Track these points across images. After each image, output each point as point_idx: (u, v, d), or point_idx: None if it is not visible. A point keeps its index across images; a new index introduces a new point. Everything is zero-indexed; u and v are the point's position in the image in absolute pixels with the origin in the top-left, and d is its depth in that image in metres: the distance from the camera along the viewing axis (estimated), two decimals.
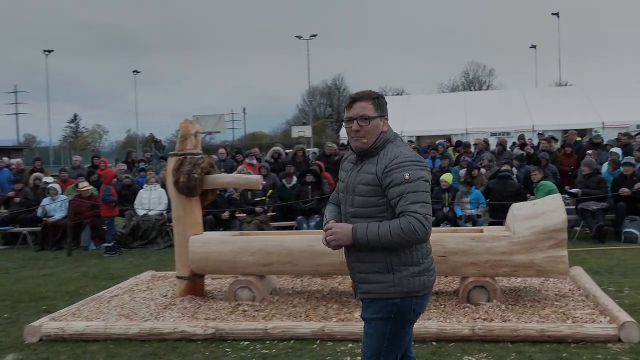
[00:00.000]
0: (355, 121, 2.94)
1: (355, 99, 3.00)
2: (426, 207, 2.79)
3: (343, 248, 2.99)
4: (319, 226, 11.53)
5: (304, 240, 6.18)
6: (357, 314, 5.68)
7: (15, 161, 16.78)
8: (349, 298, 6.33)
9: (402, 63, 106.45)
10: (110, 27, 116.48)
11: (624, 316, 5.08)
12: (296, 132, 44.46)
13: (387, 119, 3.03)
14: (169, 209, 11.14)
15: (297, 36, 57.24)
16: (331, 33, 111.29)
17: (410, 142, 21.43)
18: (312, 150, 25.60)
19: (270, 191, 12.12)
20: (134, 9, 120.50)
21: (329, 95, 77.38)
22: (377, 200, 2.89)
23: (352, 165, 3.06)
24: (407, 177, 2.81)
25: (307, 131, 45.04)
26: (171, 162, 6.65)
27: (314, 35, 57.25)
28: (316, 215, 11.74)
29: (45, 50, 58.66)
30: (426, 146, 16.24)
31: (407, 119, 25.52)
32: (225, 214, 11.84)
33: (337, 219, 3.11)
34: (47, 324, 5.68)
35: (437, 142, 16.64)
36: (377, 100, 3.00)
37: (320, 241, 6.01)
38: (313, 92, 72.16)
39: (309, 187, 11.91)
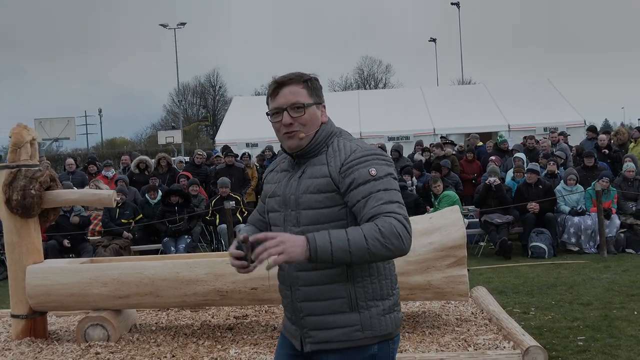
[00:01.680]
0: (285, 112, 2.62)
1: (282, 82, 2.65)
2: (404, 208, 2.48)
3: (270, 272, 2.52)
4: (189, 248, 11.42)
5: (169, 266, 6.09)
6: (233, 351, 5.67)
7: None
8: (223, 332, 6.30)
9: (287, 57, 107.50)
10: None
11: (529, 340, 5.37)
12: (164, 137, 43.77)
13: (324, 108, 2.75)
14: (0, 234, 10.63)
15: (162, 24, 56.38)
16: (203, 21, 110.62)
17: None
18: (179, 158, 25.28)
19: (140, 216, 11.89)
20: None
21: (202, 94, 76.86)
22: (337, 211, 2.56)
23: (287, 174, 2.73)
24: (373, 172, 2.51)
25: (176, 136, 44.44)
26: (1, 177, 6.36)
27: (183, 24, 56.60)
28: (186, 237, 11.61)
29: None
30: None
31: None
32: (66, 241, 11.36)
33: None
34: None
35: None
36: (311, 82, 2.68)
37: (187, 267, 5.97)
38: (183, 90, 71.46)
39: (175, 207, 11.77)
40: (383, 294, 2.61)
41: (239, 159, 15.10)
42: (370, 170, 2.51)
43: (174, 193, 11.82)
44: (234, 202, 11.70)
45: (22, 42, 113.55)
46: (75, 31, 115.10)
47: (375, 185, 2.49)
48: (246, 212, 12.26)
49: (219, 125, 34.65)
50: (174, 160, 17.91)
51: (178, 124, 58.99)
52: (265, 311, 7.00)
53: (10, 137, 6.56)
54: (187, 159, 25.09)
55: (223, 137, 25.57)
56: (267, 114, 2.70)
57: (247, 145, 23.35)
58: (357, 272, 2.57)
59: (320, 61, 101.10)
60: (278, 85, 2.66)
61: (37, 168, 6.45)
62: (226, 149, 16.22)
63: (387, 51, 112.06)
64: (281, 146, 2.74)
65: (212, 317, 6.98)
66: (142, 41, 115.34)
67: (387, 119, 25.65)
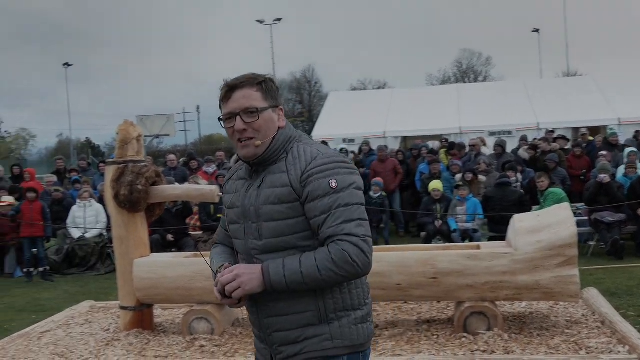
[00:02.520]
0: (238, 117, 2.47)
1: (234, 86, 2.50)
2: (364, 226, 2.38)
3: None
4: None
5: None
6: None
7: None
8: None
9: (383, 51, 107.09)
10: (34, 14, 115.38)
11: None
12: None
13: (282, 111, 2.61)
14: (109, 228, 11.08)
15: (258, 20, 57.29)
16: (299, 17, 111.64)
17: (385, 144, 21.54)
18: None
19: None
20: None
21: (298, 89, 77.65)
22: (301, 221, 2.43)
23: (245, 182, 2.59)
24: (333, 185, 2.37)
25: None
26: (110, 172, 6.62)
27: (279, 20, 57.34)
28: None
29: None
30: (417, 149, 16.35)
31: (390, 117, 25.67)
32: (170, 236, 11.75)
33: (232, 263, 2.62)
34: None
35: (423, 144, 16.78)
36: (265, 84, 2.54)
37: None
38: (279, 86, 72.06)
39: None
40: (354, 304, 2.50)
41: None
42: (330, 182, 2.38)
43: None
44: None
45: (124, 42, 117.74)
46: (173, 29, 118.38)
47: (336, 200, 2.36)
48: None
49: (315, 121, 34.84)
50: None
51: None
52: None
53: (117, 133, 6.82)
54: None
55: (319, 132, 25.71)
56: (219, 119, 2.55)
57: (344, 140, 23.38)
58: None
59: (417, 54, 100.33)
60: (230, 89, 2.51)
61: (143, 164, 6.68)
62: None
63: (488, 43, 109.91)
64: (237, 153, 2.58)
65: None
66: (238, 38, 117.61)
67: (488, 113, 25.13)
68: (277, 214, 2.44)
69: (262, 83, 2.52)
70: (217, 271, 2.54)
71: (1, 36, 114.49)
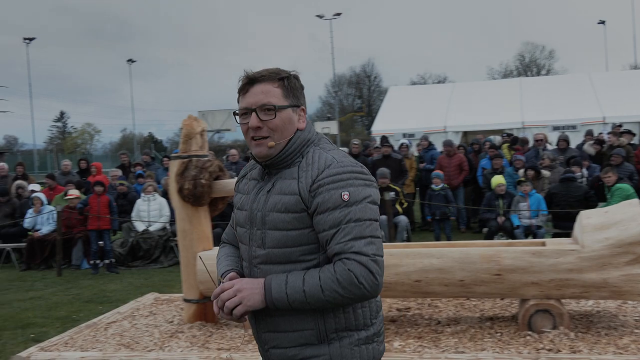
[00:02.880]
0: (253, 114, 2.32)
1: (253, 79, 2.34)
2: (375, 244, 2.21)
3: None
4: None
5: None
6: (397, 343, 5.69)
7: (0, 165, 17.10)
8: (386, 325, 6.33)
9: (444, 45, 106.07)
10: (100, 11, 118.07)
11: None
12: (320, 128, 44.53)
13: (304, 111, 2.43)
14: (172, 222, 11.27)
15: (318, 15, 57.38)
16: (359, 11, 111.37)
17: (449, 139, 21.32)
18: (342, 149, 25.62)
19: None
20: None
21: (357, 84, 77.54)
22: (306, 233, 2.27)
23: (257, 184, 2.44)
24: (345, 197, 2.20)
25: (332, 127, 45.13)
26: (174, 166, 6.72)
27: (338, 14, 57.31)
28: None
29: (25, 39, 59.59)
30: (478, 144, 16.15)
31: (451, 111, 25.47)
32: None
33: (238, 269, 2.47)
34: (37, 355, 5.77)
35: (485, 139, 16.58)
36: (288, 81, 2.37)
37: None
38: (339, 81, 72.36)
39: None
40: (358, 324, 2.32)
41: (396, 149, 15.11)
42: (342, 194, 2.20)
43: None
44: (393, 192, 11.71)
45: (186, 38, 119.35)
46: (234, 25, 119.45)
47: (347, 214, 2.19)
48: (406, 204, 12.25)
49: (375, 116, 34.75)
50: None
51: (334, 114, 59.88)
52: (429, 304, 6.96)
53: (181, 128, 6.91)
54: (345, 150, 25.39)
55: (379, 127, 25.67)
56: (235, 113, 2.41)
57: (404, 135, 23.30)
58: None
59: (478, 48, 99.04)
60: (249, 82, 2.35)
61: (206, 158, 6.75)
62: (384, 140, 16.25)
63: (551, 35, 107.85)
64: (250, 152, 2.43)
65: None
66: (298, 32, 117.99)
67: (552, 107, 24.69)
68: (282, 223, 2.28)
69: (284, 79, 2.36)
70: (219, 280, 2.41)
71: (68, 34, 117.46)
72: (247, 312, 2.24)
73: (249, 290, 2.22)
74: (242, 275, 2.42)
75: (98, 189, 11.78)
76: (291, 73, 2.40)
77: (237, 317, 2.23)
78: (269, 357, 2.41)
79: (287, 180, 2.30)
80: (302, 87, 2.43)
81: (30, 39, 59.84)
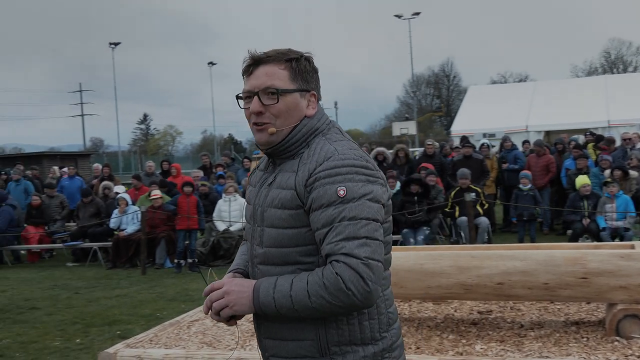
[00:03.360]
0: (255, 97, 2.13)
1: (258, 60, 2.15)
2: (371, 246, 1.96)
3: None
4: (428, 240, 11.48)
5: (412, 258, 6.15)
6: (479, 346, 5.61)
7: (95, 166, 17.78)
8: (467, 327, 6.26)
9: (525, 43, 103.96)
10: (182, 15, 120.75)
11: None
12: (398, 128, 44.36)
13: (315, 97, 2.21)
14: None
15: (396, 15, 57.08)
16: (437, 10, 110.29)
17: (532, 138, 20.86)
18: (417, 150, 25.47)
19: None
20: None
21: (436, 84, 76.90)
22: (303, 233, 2.07)
23: (262, 176, 2.27)
24: (341, 193, 1.98)
25: (411, 128, 44.87)
26: (254, 167, 6.79)
27: (417, 14, 56.88)
28: (425, 228, 11.67)
29: (111, 43, 61.42)
30: (562, 143, 15.77)
31: (533, 110, 24.97)
32: None
33: (245, 269, 2.34)
34: (123, 351, 5.93)
35: (571, 138, 16.19)
36: (297, 63, 2.17)
37: (431, 259, 5.99)
38: (417, 81, 71.88)
39: (415, 197, 11.86)
40: (365, 337, 2.08)
41: (477, 149, 14.91)
42: (339, 189, 1.98)
43: (414, 182, 11.93)
44: (474, 193, 11.55)
45: (263, 39, 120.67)
46: (311, 25, 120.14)
47: (341, 212, 1.96)
48: (487, 205, 12.07)
49: (453, 116, 34.37)
50: (414, 152, 18.10)
51: (412, 115, 59.51)
52: (511, 307, 6.83)
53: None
54: (419, 149, 25.26)
55: (458, 127, 25.39)
56: (237, 97, 2.22)
57: (484, 135, 22.96)
58: None
59: (561, 45, 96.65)
60: (254, 63, 2.15)
61: None
62: (464, 140, 16.05)
63: (638, 31, 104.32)
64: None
65: (455, 311, 6.95)
66: (376, 32, 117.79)
67: (639, 105, 23.89)
68: (278, 220, 2.09)
69: (292, 60, 2.15)
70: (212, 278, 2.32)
71: (152, 38, 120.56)
72: (236, 317, 2.08)
73: (237, 294, 2.04)
74: (246, 276, 2.28)
75: (187, 189, 12.08)
76: (302, 54, 2.20)
77: (224, 319, 2.07)
78: None
79: (287, 174, 2.11)
80: (314, 70, 2.22)
81: (116, 44, 61.62)
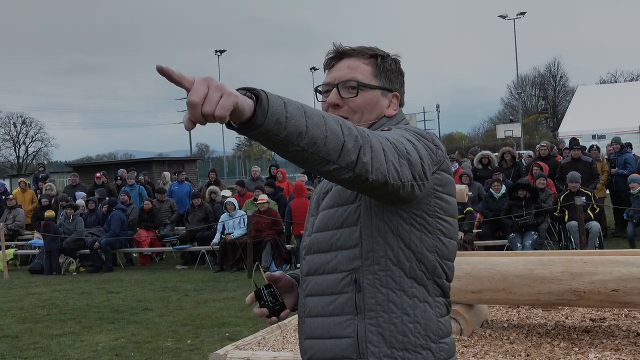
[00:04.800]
0: (334, 89, 2.03)
1: (342, 53, 2.07)
2: (411, 155, 1.74)
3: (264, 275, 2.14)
4: (535, 245, 11.21)
5: (522, 263, 6.03)
6: (593, 355, 5.44)
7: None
8: (579, 335, 6.08)
9: (636, 39, 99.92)
10: (285, 22, 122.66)
11: None
12: (502, 131, 43.50)
13: (398, 99, 2.12)
14: None
15: (500, 15, 56.01)
16: (543, 9, 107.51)
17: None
18: (523, 152, 24.90)
19: (469, 208, 11.95)
20: (309, 1, 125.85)
21: (541, 85, 74.94)
22: (347, 209, 1.96)
23: None
24: (385, 128, 1.94)
25: (515, 130, 43.86)
26: None
27: (522, 14, 55.62)
28: (533, 232, 11.40)
29: (217, 51, 62.98)
30: None
31: None
32: None
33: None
34: (233, 353, 6.08)
35: None
36: (382, 61, 2.07)
37: (541, 264, 5.87)
38: (522, 82, 70.26)
39: (522, 202, 11.61)
40: (407, 342, 1.90)
41: (586, 151, 14.47)
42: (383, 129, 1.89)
43: (522, 187, 11.69)
44: (584, 197, 11.20)
45: (363, 42, 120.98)
46: (410, 29, 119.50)
47: (387, 131, 1.84)
48: (597, 209, 11.67)
49: (560, 117, 33.48)
50: (521, 154, 17.77)
51: (517, 116, 58.20)
52: (625, 315, 6.59)
53: None
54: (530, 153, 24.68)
55: (566, 129, 24.71)
56: (315, 89, 2.12)
57: (593, 137, 22.26)
58: (371, 303, 1.92)
59: None
60: (337, 56, 2.07)
61: None
62: (573, 142, 15.60)
63: None
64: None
65: (566, 318, 6.76)
66: (480, 34, 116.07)
67: None
68: (334, 199, 2.00)
69: (377, 57, 2.07)
70: (261, 289, 2.15)
71: (256, 44, 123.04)
72: (234, 105, 1.48)
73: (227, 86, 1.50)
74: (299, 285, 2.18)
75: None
76: (389, 54, 2.11)
77: (224, 111, 1.46)
78: None
79: None
80: (400, 72, 2.13)
81: (221, 51, 63.16)
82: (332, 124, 1.60)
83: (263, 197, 13.00)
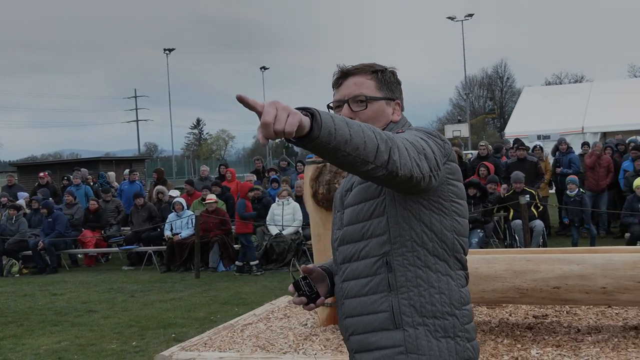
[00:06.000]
0: (345, 105, 2.35)
1: (347, 72, 2.39)
2: (424, 145, 2.09)
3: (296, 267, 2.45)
4: (481, 243, 11.36)
5: None
6: (535, 351, 5.54)
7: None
8: (522, 331, 6.18)
9: (580, 42, 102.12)
10: (235, 21, 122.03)
11: None
12: (451, 131, 43.99)
13: (400, 105, 2.45)
14: (305, 226, 11.47)
15: (449, 17, 56.68)
16: (490, 12, 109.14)
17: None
18: (471, 153, 25.24)
19: None
20: (260, 0, 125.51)
21: (489, 86, 76.03)
22: (374, 203, 2.26)
23: (350, 179, 2.45)
24: (399, 131, 2.26)
25: (463, 130, 44.47)
26: (309, 171, 6.84)
27: (470, 15, 56.37)
28: (479, 231, 11.55)
29: (165, 49, 62.27)
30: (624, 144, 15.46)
31: (589, 111, 24.46)
32: None
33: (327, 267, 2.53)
34: (178, 354, 6.03)
35: (630, 139, 15.86)
36: (382, 75, 2.40)
37: (486, 263, 5.95)
38: (470, 83, 71.18)
39: (472, 200, 11.76)
40: (435, 310, 2.20)
41: (530, 151, 14.73)
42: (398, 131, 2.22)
43: (472, 185, 11.85)
44: (528, 196, 11.40)
45: (314, 44, 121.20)
46: (362, 28, 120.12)
47: (402, 133, 2.16)
48: (541, 207, 11.89)
49: (507, 118, 33.99)
50: (469, 154, 17.96)
51: (465, 117, 58.96)
52: (567, 312, 6.73)
53: None
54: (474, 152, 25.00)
55: (512, 129, 25.03)
56: (328, 106, 2.42)
57: (539, 137, 22.63)
58: (402, 280, 2.21)
59: (618, 44, 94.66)
60: (342, 75, 2.39)
61: None
62: (517, 142, 15.86)
63: None
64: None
65: (510, 315, 6.87)
66: (429, 35, 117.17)
67: None
68: (358, 196, 2.30)
69: (378, 72, 2.40)
70: (299, 280, 2.41)
71: (205, 43, 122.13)
72: (299, 122, 1.77)
73: (284, 109, 1.77)
74: (329, 275, 2.48)
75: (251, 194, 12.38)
76: (386, 67, 2.44)
77: (292, 127, 1.76)
78: (350, 346, 2.36)
79: None
80: (398, 82, 2.46)
81: (170, 50, 62.48)
82: (368, 131, 1.90)
83: (211, 197, 12.92)
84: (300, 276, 2.43)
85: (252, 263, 12.01)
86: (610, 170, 13.66)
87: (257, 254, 12.39)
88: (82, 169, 18.76)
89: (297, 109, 1.82)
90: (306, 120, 1.80)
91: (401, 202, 2.20)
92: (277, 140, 1.85)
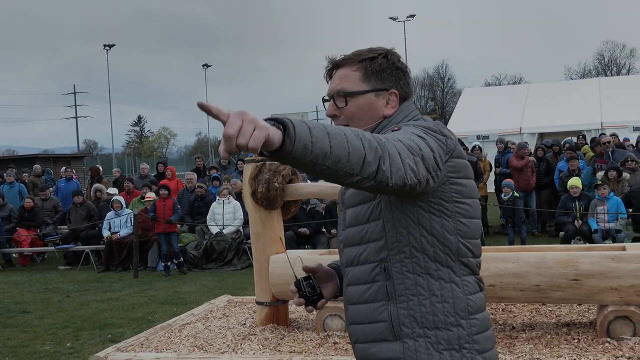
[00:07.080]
0: (331, 102, 2.19)
1: (335, 64, 2.21)
2: (422, 154, 1.85)
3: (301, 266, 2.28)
4: None
5: None
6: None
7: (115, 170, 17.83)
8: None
9: (519, 45, 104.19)
10: (177, 18, 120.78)
11: None
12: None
13: (397, 95, 2.19)
14: (245, 225, 11.41)
15: (391, 17, 57.17)
16: (432, 13, 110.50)
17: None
18: None
19: None
20: None
21: (430, 86, 76.97)
22: (370, 206, 2.11)
23: None
24: (395, 128, 2.04)
25: None
26: (248, 170, 6.80)
27: (412, 16, 56.95)
28: None
29: (105, 45, 61.24)
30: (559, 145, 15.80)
31: (527, 112, 24.96)
32: (304, 230, 11.99)
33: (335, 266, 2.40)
34: (114, 355, 5.92)
35: (565, 140, 16.23)
36: (371, 63, 2.17)
37: None
38: (412, 83, 71.78)
39: None
40: (437, 321, 2.03)
41: (469, 152, 14.93)
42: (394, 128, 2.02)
43: None
44: None
45: (258, 42, 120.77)
46: (306, 28, 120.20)
47: (397, 131, 1.96)
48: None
49: (448, 118, 34.43)
50: None
51: None
52: (502, 309, 6.84)
53: None
54: None
55: (453, 129, 25.16)
56: (323, 99, 2.25)
57: (478, 137, 22.97)
58: (400, 288, 2.07)
59: (555, 47, 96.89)
60: (332, 67, 2.21)
61: None
62: (458, 142, 16.06)
63: (632, 34, 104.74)
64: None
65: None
66: (371, 35, 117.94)
67: (632, 107, 23.92)
68: (357, 197, 2.15)
69: (366, 60, 2.17)
70: (300, 280, 2.29)
71: (146, 40, 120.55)
72: (265, 137, 1.60)
73: (257, 118, 1.62)
74: (338, 273, 2.34)
75: (163, 192, 12.05)
76: (380, 52, 2.20)
77: (256, 143, 1.59)
78: (355, 353, 2.24)
79: None
80: (394, 67, 2.20)
81: (110, 46, 61.49)
82: (354, 140, 1.71)
83: (150, 195, 12.74)
84: (303, 276, 2.31)
85: (175, 261, 11.92)
86: (533, 170, 13.85)
87: (197, 253, 12.27)
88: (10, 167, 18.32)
89: (270, 119, 1.67)
90: (276, 134, 1.63)
91: (397, 205, 2.04)
92: (220, 138, 1.72)
